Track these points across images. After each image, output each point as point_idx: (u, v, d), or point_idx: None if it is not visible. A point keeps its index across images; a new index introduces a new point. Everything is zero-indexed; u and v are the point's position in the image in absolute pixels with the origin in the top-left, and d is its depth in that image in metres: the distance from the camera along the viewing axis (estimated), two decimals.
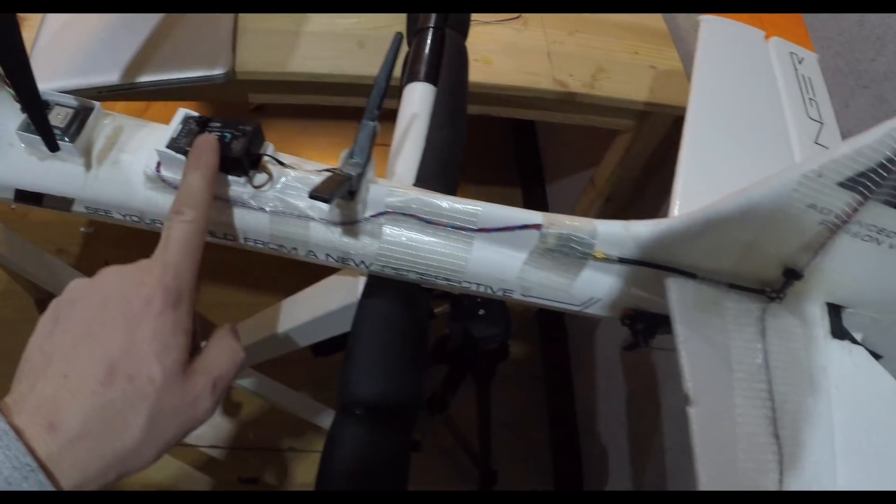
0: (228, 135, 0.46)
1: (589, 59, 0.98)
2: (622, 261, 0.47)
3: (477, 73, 0.90)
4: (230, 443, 1.46)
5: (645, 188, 1.20)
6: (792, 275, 0.45)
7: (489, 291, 0.49)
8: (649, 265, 0.47)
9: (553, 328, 1.67)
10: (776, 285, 0.47)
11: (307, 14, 0.96)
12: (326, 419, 1.22)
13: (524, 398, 1.65)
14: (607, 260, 0.47)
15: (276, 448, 1.48)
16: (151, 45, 0.87)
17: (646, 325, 0.51)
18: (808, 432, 0.45)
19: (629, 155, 1.09)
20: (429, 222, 0.47)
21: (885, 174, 0.37)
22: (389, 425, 0.48)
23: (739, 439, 0.43)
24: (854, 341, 0.49)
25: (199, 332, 0.43)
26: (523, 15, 1.01)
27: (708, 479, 0.41)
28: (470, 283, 0.49)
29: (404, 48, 0.57)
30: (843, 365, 0.47)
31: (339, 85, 0.91)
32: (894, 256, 0.44)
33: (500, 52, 0.95)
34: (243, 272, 1.62)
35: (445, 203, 0.46)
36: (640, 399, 1.24)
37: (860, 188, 0.38)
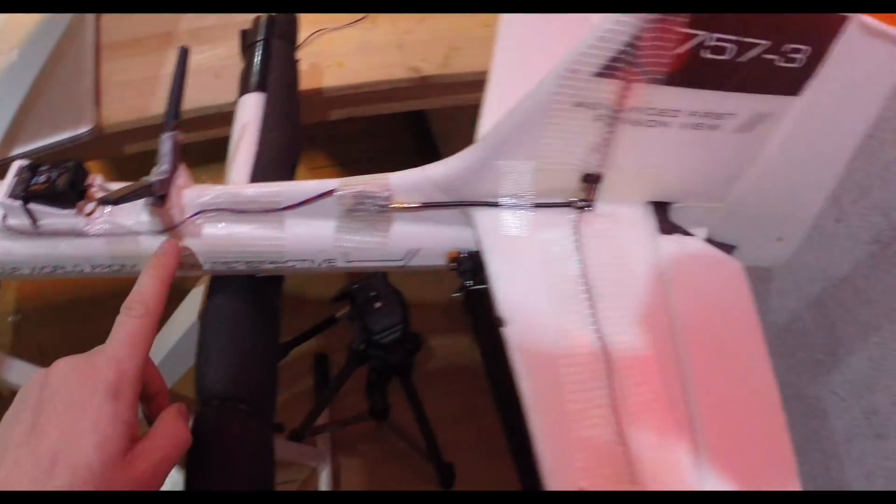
0: (55, 173, 0.49)
1: (440, 41, 1.00)
2: (425, 206, 0.50)
3: (331, 78, 0.93)
4: None
5: None
6: (591, 178, 0.47)
7: (313, 266, 0.52)
8: (451, 204, 0.50)
9: (483, 314, 1.66)
10: (581, 194, 0.49)
11: (166, 56, 0.98)
12: None
13: (465, 389, 1.67)
14: (410, 208, 0.50)
15: None
16: (23, 113, 0.87)
17: (472, 264, 0.52)
18: (635, 328, 0.46)
19: None
20: (240, 212, 0.50)
21: (632, 53, 0.39)
22: (246, 411, 0.50)
23: (560, 345, 0.45)
24: (686, 233, 0.50)
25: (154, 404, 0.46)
26: (370, 14, 1.02)
27: (532, 387, 0.44)
28: (294, 261, 0.52)
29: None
30: (676, 257, 0.49)
31: (202, 118, 0.93)
32: (691, 136, 0.45)
33: (351, 53, 0.98)
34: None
35: (250, 190, 0.50)
36: None
37: (616, 72, 0.40)
